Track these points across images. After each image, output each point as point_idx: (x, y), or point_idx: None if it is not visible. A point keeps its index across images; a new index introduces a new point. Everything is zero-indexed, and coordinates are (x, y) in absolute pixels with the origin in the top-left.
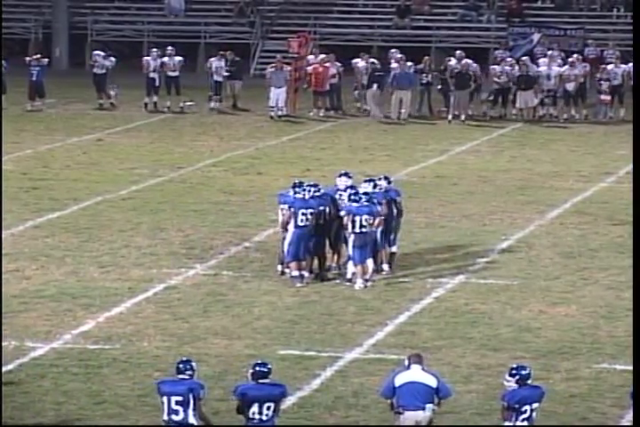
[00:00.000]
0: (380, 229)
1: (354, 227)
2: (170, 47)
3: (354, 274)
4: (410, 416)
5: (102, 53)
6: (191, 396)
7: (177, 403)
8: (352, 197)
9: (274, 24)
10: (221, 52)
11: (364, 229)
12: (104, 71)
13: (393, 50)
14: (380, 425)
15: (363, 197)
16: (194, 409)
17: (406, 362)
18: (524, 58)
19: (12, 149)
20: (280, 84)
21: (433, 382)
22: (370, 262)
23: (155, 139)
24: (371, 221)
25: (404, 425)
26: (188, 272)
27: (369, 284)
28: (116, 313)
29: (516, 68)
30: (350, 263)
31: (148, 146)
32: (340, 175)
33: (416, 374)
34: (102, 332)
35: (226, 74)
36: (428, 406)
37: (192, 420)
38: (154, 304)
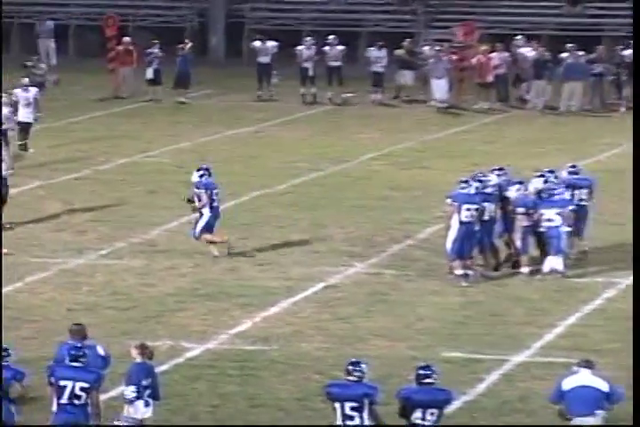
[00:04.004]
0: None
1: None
2: (331, 36)
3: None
4: (579, 423)
5: (261, 41)
6: (366, 401)
7: (352, 409)
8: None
9: (438, 12)
10: (380, 43)
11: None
12: (268, 60)
13: (518, 37)
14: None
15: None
16: (369, 413)
17: (575, 367)
18: None
19: (168, 141)
20: (440, 74)
21: (604, 387)
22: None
23: (315, 131)
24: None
25: None
26: (349, 270)
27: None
28: (273, 313)
29: None
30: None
31: (308, 139)
32: (493, 171)
33: (585, 378)
34: (260, 332)
35: (384, 64)
36: (598, 412)
37: (367, 424)
38: (313, 304)
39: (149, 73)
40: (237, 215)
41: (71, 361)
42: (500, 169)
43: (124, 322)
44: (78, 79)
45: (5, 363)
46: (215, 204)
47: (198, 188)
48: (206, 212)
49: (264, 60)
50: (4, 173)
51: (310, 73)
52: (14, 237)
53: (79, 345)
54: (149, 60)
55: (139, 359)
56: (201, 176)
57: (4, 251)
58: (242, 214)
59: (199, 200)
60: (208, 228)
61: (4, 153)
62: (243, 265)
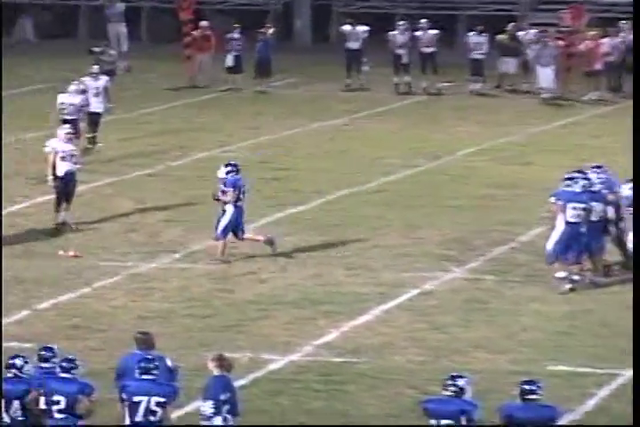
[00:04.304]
0: None
1: None
2: (423, 20)
3: None
4: None
5: (351, 25)
6: (463, 418)
7: None
8: None
9: None
10: (480, 27)
11: None
12: (358, 46)
13: (624, 21)
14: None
15: None
16: None
17: None
18: None
19: (249, 134)
20: (546, 62)
21: None
22: None
23: (408, 124)
24: None
25: None
26: (446, 276)
27: None
28: (363, 322)
29: None
30: None
31: (401, 132)
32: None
33: None
34: (348, 343)
35: (484, 51)
36: None
37: None
38: (407, 312)
39: (229, 60)
40: (324, 215)
41: (142, 374)
42: (598, 167)
43: (201, 331)
44: (151, 67)
45: (72, 375)
46: (240, 202)
47: (225, 185)
48: (230, 209)
49: (354, 45)
50: (72, 168)
51: (404, 60)
52: (81, 239)
53: (150, 357)
54: (229, 46)
55: (216, 372)
56: (228, 173)
57: (71, 253)
58: (328, 214)
59: (223, 195)
60: (231, 227)
61: (73, 146)
62: (329, 270)
